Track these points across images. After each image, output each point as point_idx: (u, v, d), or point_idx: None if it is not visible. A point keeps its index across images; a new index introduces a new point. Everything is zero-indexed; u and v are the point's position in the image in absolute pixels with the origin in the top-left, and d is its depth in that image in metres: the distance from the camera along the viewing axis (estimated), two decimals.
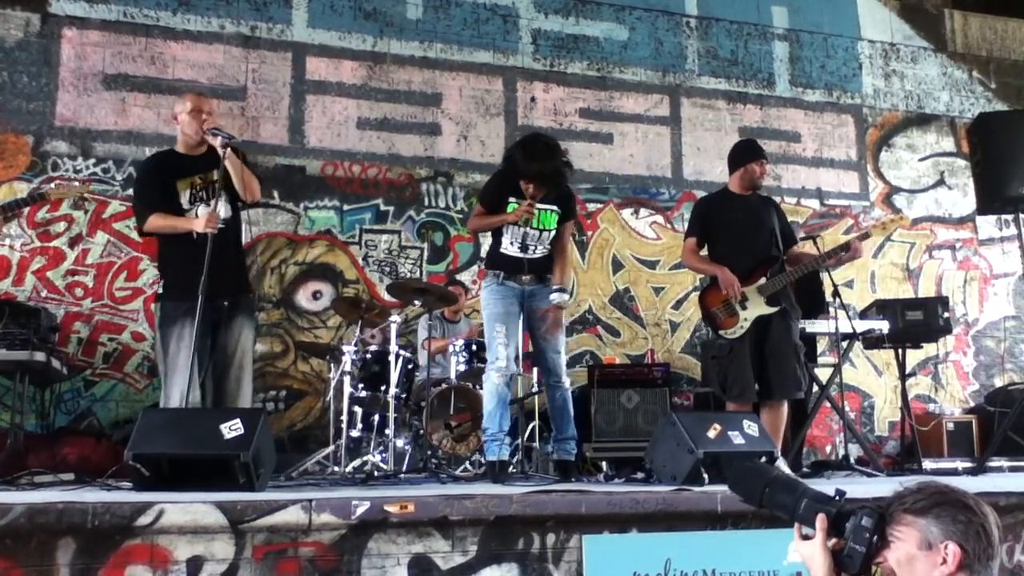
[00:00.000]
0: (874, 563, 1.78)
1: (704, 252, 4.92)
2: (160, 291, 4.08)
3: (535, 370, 6.02)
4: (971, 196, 6.94)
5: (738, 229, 4.78)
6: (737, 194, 4.90)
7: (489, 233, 4.67)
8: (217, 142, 3.91)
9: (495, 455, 4.34)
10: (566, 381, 4.49)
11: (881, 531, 1.76)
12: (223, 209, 4.01)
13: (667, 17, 7.87)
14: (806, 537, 1.86)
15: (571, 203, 4.61)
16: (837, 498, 1.86)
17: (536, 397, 5.89)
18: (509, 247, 4.48)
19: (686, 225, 7.38)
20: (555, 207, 4.49)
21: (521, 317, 4.49)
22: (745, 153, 4.93)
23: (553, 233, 4.51)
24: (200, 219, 3.91)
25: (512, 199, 4.43)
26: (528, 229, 4.45)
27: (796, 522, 1.89)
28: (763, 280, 4.66)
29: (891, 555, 1.75)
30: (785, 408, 4.69)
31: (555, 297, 4.45)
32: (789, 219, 7.53)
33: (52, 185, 5.99)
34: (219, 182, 3.95)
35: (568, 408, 4.47)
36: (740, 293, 4.59)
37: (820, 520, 1.83)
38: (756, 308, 4.64)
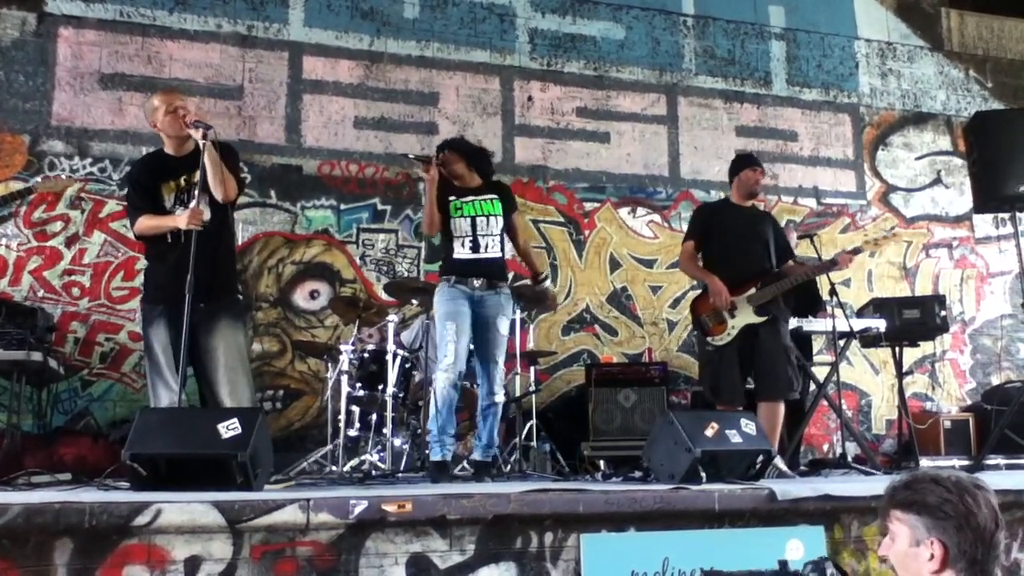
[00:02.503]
0: (881, 556, 1.80)
1: (701, 256, 5.08)
2: (142, 291, 4.11)
3: (532, 369, 6.04)
4: (968, 195, 6.95)
5: (734, 238, 4.96)
6: (737, 205, 5.11)
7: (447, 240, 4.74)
8: (198, 134, 3.88)
9: (437, 456, 4.42)
10: (499, 394, 4.59)
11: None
12: (206, 212, 3.97)
13: (664, 16, 7.87)
14: None
15: (507, 193, 4.82)
16: (779, 569, 1.88)
17: (533, 396, 5.91)
18: (461, 250, 4.61)
19: (684, 224, 7.50)
20: (493, 194, 4.68)
21: (470, 317, 4.57)
22: (738, 163, 5.17)
23: (501, 222, 4.64)
24: (183, 216, 3.88)
25: (451, 197, 4.63)
26: (475, 217, 4.58)
27: None
28: (753, 290, 4.81)
29: (892, 551, 1.77)
30: (781, 407, 4.74)
31: (548, 284, 4.76)
32: (786, 218, 7.67)
33: (39, 179, 6.03)
34: (200, 178, 3.90)
35: (495, 419, 4.59)
36: (729, 303, 4.77)
37: None
38: (744, 317, 4.80)
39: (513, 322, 5.09)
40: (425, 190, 4.66)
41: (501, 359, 4.62)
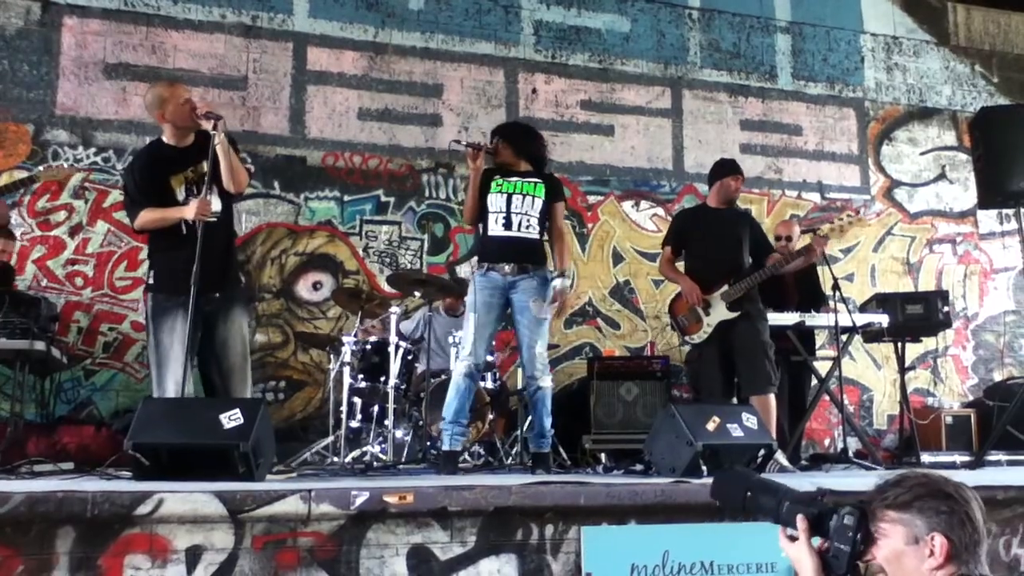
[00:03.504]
0: (862, 561, 1.77)
1: (682, 261, 5.22)
2: (151, 282, 4.01)
3: None
4: (972, 190, 6.93)
5: (708, 242, 5.06)
6: (713, 208, 5.20)
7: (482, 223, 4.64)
8: (210, 125, 3.87)
9: (447, 445, 4.39)
10: (543, 379, 4.43)
11: (865, 528, 1.76)
12: (216, 202, 3.97)
13: (669, 9, 7.86)
14: (792, 539, 1.86)
15: (556, 183, 4.63)
16: (818, 497, 1.85)
17: None
18: (494, 226, 4.48)
19: None
20: (538, 179, 4.54)
21: (499, 309, 4.47)
22: (722, 169, 5.22)
23: (540, 204, 4.48)
24: (191, 207, 3.87)
25: (496, 176, 4.53)
26: (512, 194, 4.46)
27: (780, 524, 1.88)
28: (726, 287, 4.90)
29: (879, 553, 1.74)
30: (769, 402, 4.75)
31: (557, 283, 4.46)
32: (790, 212, 7.64)
33: (41, 168, 6.04)
34: (209, 169, 3.89)
35: (541, 405, 4.44)
36: (700, 300, 4.90)
37: (801, 521, 1.82)
38: (718, 314, 4.91)
39: None
40: (469, 180, 4.57)
41: (539, 343, 4.40)
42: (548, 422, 4.47)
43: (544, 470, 4.34)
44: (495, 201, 4.49)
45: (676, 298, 5.16)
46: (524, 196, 4.47)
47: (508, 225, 4.45)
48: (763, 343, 4.86)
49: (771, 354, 4.86)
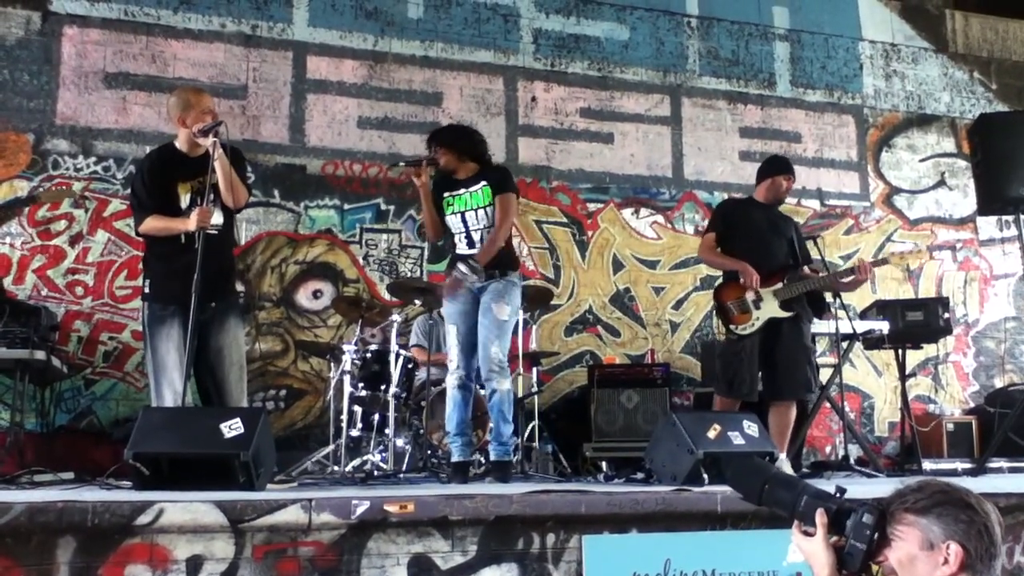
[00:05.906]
0: (875, 562, 1.77)
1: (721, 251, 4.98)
2: (146, 291, 4.03)
3: (535, 370, 6.04)
4: (972, 197, 6.93)
5: (758, 234, 4.89)
6: (761, 203, 5.04)
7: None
8: (208, 142, 3.89)
9: (456, 456, 4.42)
10: (498, 381, 4.34)
11: (882, 529, 1.76)
12: (217, 215, 3.99)
13: (668, 17, 7.87)
14: (807, 534, 1.86)
15: (499, 177, 4.53)
16: (838, 495, 1.86)
17: (536, 397, 5.90)
18: (460, 246, 4.56)
19: (687, 225, 7.53)
20: (482, 182, 4.51)
21: (476, 315, 4.46)
22: (775, 166, 5.11)
23: (492, 212, 4.47)
24: (192, 219, 3.87)
25: (445, 194, 4.57)
26: (464, 212, 4.50)
27: (795, 519, 1.88)
28: (780, 285, 4.74)
29: (892, 554, 1.74)
30: (794, 409, 4.71)
31: (462, 267, 4.39)
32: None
33: (41, 188, 6.06)
34: (209, 181, 3.89)
35: (499, 407, 4.38)
36: (758, 286, 4.68)
37: (820, 516, 1.82)
38: (769, 310, 4.71)
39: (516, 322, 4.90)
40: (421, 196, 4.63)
41: (495, 344, 4.34)
42: (508, 429, 4.40)
43: (499, 479, 4.28)
44: (453, 222, 4.58)
45: (724, 284, 4.93)
46: (475, 211, 4.52)
47: (471, 243, 4.52)
48: (807, 347, 4.75)
49: (813, 359, 4.76)
